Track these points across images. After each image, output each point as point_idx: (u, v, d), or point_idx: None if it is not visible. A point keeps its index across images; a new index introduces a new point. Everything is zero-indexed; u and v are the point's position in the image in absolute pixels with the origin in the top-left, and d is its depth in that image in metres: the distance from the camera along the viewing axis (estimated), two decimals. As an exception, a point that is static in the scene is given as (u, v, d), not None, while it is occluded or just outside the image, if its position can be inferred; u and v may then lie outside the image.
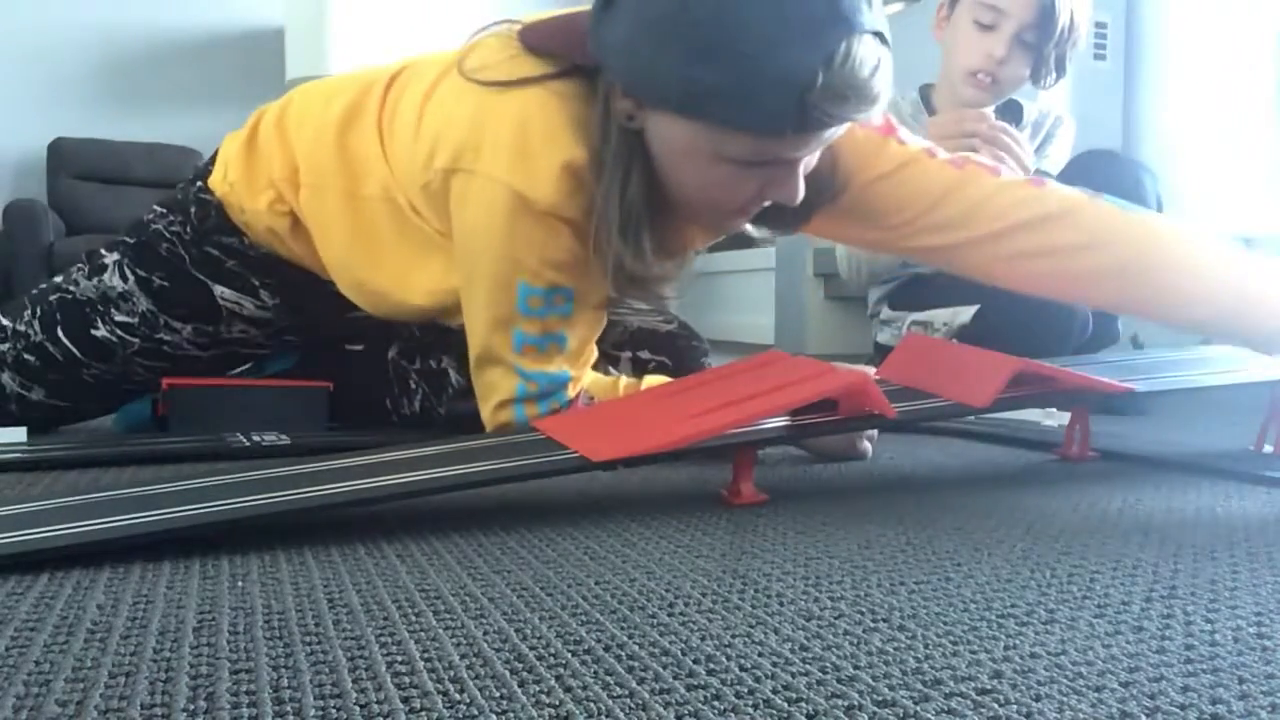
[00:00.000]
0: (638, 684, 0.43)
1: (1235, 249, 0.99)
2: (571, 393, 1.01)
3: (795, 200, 0.91)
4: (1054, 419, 1.25)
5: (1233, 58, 2.20)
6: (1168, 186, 1.65)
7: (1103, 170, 1.60)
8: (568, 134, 0.92)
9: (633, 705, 0.40)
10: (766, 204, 0.94)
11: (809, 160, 0.91)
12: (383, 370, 1.28)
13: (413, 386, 1.26)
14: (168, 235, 1.15)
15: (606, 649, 0.47)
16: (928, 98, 1.79)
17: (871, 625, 0.51)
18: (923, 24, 2.12)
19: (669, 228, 0.98)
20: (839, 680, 0.43)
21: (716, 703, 0.41)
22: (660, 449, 0.79)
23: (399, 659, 0.45)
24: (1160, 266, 0.97)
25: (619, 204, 0.91)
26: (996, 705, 0.41)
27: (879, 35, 0.83)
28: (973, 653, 0.47)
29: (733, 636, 0.49)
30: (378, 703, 0.40)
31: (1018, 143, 1.53)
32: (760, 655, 0.46)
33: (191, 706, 0.40)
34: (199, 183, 1.15)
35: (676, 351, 1.25)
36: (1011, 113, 1.77)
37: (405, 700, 0.41)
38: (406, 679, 0.43)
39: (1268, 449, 1.04)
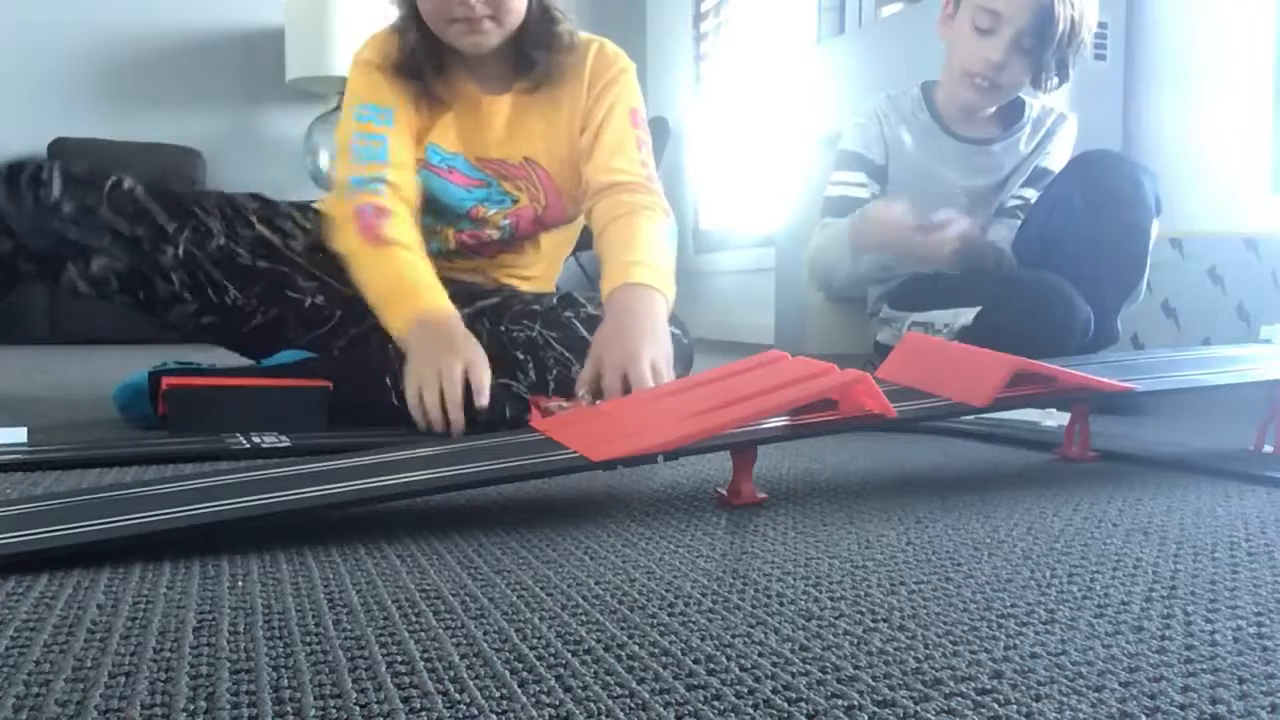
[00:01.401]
0: (638, 684, 0.43)
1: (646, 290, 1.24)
2: (386, 205, 1.29)
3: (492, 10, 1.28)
4: (1054, 419, 1.25)
5: (1233, 58, 2.20)
6: (1168, 187, 1.65)
7: (1102, 171, 1.59)
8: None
9: (633, 705, 0.40)
10: (486, 17, 1.29)
11: None
12: (383, 350, 1.31)
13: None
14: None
15: (606, 649, 0.47)
16: (930, 94, 1.78)
17: (871, 625, 0.51)
18: (922, 24, 2.12)
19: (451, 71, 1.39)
20: (839, 680, 0.43)
21: (716, 703, 0.41)
22: (660, 449, 0.79)
23: (399, 659, 0.45)
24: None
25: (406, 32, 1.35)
26: (996, 705, 0.41)
27: None
28: (973, 653, 0.47)
29: (733, 636, 0.49)
30: (378, 703, 0.40)
31: (944, 229, 1.56)
32: (760, 655, 0.46)
33: (191, 706, 0.40)
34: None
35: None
36: (1014, 110, 1.77)
37: (405, 700, 0.41)
38: (406, 679, 0.43)
39: (1268, 449, 1.04)
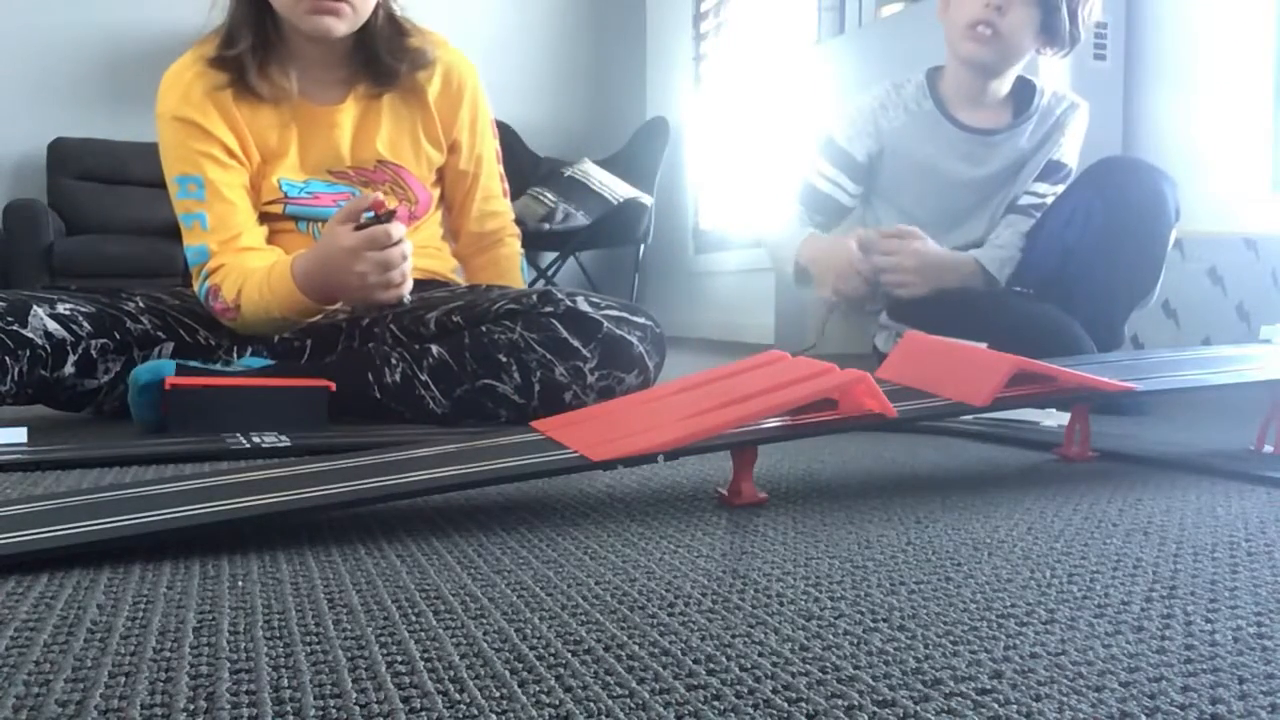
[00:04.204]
0: (638, 684, 0.43)
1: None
2: (212, 268, 1.34)
3: None
4: (1054, 419, 1.25)
5: (1233, 58, 2.20)
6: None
7: (1124, 180, 1.57)
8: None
9: (633, 705, 0.41)
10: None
11: None
12: (364, 350, 1.33)
13: (394, 361, 1.28)
14: None
15: (606, 649, 0.47)
16: (935, 82, 1.75)
17: (871, 625, 0.51)
18: (922, 24, 2.12)
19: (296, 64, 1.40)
20: (839, 680, 0.43)
21: (716, 703, 0.41)
22: (660, 449, 0.79)
23: (399, 659, 0.45)
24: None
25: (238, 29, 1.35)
26: (996, 705, 0.41)
27: None
28: (973, 653, 0.47)
29: (733, 636, 0.49)
30: (378, 703, 0.40)
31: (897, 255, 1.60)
32: (760, 655, 0.46)
33: (191, 706, 0.40)
34: None
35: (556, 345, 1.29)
36: (1025, 93, 1.74)
37: (405, 700, 0.41)
38: (406, 679, 0.43)
39: (1268, 449, 1.04)
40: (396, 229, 1.23)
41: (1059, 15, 1.60)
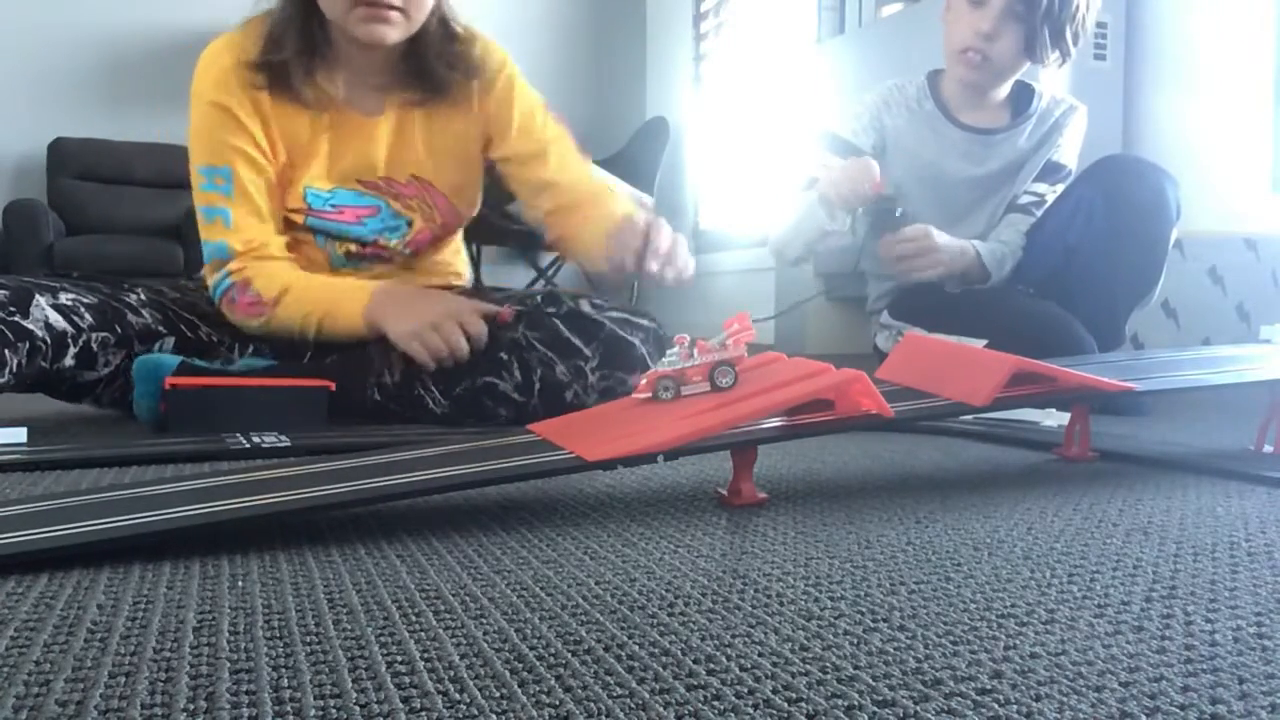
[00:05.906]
0: (638, 684, 0.43)
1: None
2: (235, 268, 1.32)
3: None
4: (1054, 419, 1.25)
5: (1233, 58, 2.20)
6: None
7: (1127, 179, 1.58)
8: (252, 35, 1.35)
9: (633, 705, 0.40)
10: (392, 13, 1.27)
11: None
12: (364, 350, 1.33)
13: (394, 361, 1.27)
14: None
15: (606, 649, 0.47)
16: (936, 84, 1.77)
17: (871, 625, 0.51)
18: (922, 24, 2.12)
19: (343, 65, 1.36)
20: (839, 680, 0.43)
21: (716, 703, 0.41)
22: (660, 449, 0.79)
23: (399, 659, 0.45)
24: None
25: (285, 32, 1.32)
26: (996, 705, 0.41)
27: None
28: (973, 653, 0.47)
29: (733, 636, 0.49)
30: (378, 703, 0.40)
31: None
32: (760, 655, 0.46)
33: (191, 706, 0.40)
34: None
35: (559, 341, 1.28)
36: (1023, 95, 1.76)
37: (405, 700, 0.41)
38: (406, 679, 0.43)
39: (1268, 449, 1.04)
40: (483, 338, 1.26)
41: (1040, 38, 1.63)
